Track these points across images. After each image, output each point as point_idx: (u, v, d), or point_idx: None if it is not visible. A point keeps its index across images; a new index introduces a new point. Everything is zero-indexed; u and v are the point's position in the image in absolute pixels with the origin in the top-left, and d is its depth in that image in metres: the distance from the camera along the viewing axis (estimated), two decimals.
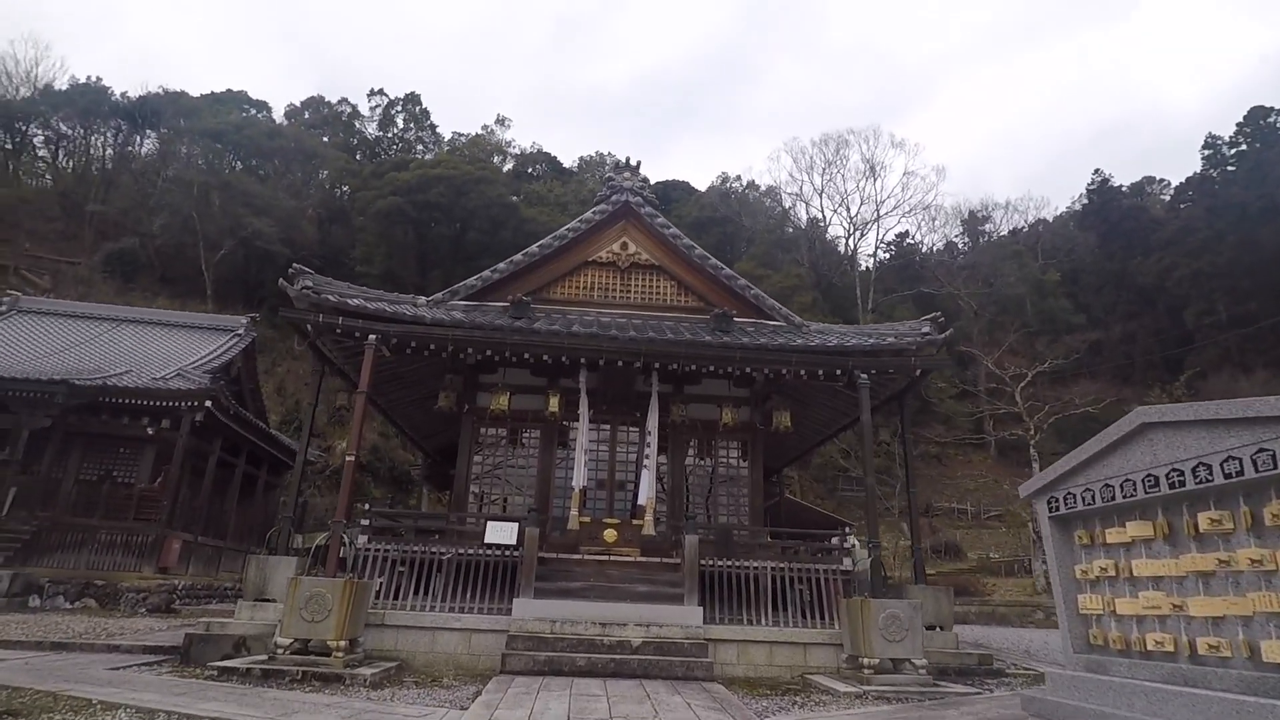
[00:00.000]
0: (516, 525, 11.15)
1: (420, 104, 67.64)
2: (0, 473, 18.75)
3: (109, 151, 57.05)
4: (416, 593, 10.70)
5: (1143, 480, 5.44)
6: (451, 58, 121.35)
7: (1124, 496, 5.64)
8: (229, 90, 62.57)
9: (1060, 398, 28.35)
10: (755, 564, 11.18)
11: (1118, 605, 5.80)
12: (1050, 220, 66.35)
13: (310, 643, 8.72)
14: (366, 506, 11.29)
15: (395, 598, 10.55)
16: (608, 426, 13.17)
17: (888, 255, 63.69)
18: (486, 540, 11.16)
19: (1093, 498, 6.01)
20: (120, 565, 19.06)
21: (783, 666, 10.13)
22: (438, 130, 68.12)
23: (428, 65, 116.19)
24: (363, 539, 10.96)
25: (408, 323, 10.77)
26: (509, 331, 10.83)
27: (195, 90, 61.82)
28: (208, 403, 20.35)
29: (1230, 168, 54.38)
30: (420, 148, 65.13)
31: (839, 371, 11.46)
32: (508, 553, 10.94)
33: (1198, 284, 47.85)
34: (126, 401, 20.02)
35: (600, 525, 11.57)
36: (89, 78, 57.35)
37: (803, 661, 10.25)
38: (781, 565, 11.20)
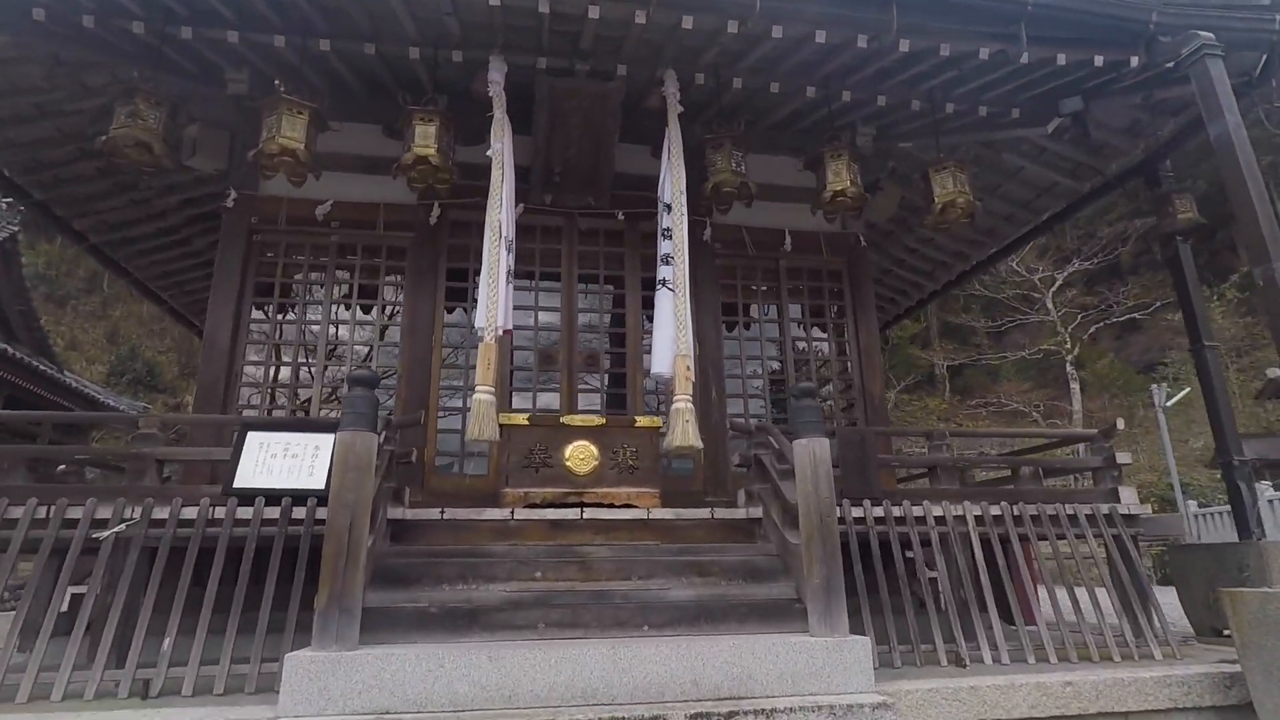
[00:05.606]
0: (328, 440, 4.05)
1: None
2: None
3: None
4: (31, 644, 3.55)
5: None
6: None
7: None
8: None
9: (1106, 303, 23.02)
10: (942, 510, 4.53)
11: None
12: None
13: None
14: None
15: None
16: (558, 229, 6.16)
17: None
18: (239, 484, 4.03)
19: None
20: None
21: None
22: None
23: None
24: None
25: None
26: None
27: None
28: None
29: None
30: None
31: (1095, 59, 4.82)
32: (307, 510, 3.92)
33: None
34: None
35: (557, 431, 4.60)
36: None
37: None
38: (992, 510, 4.60)
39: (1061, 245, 22.18)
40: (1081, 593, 4.57)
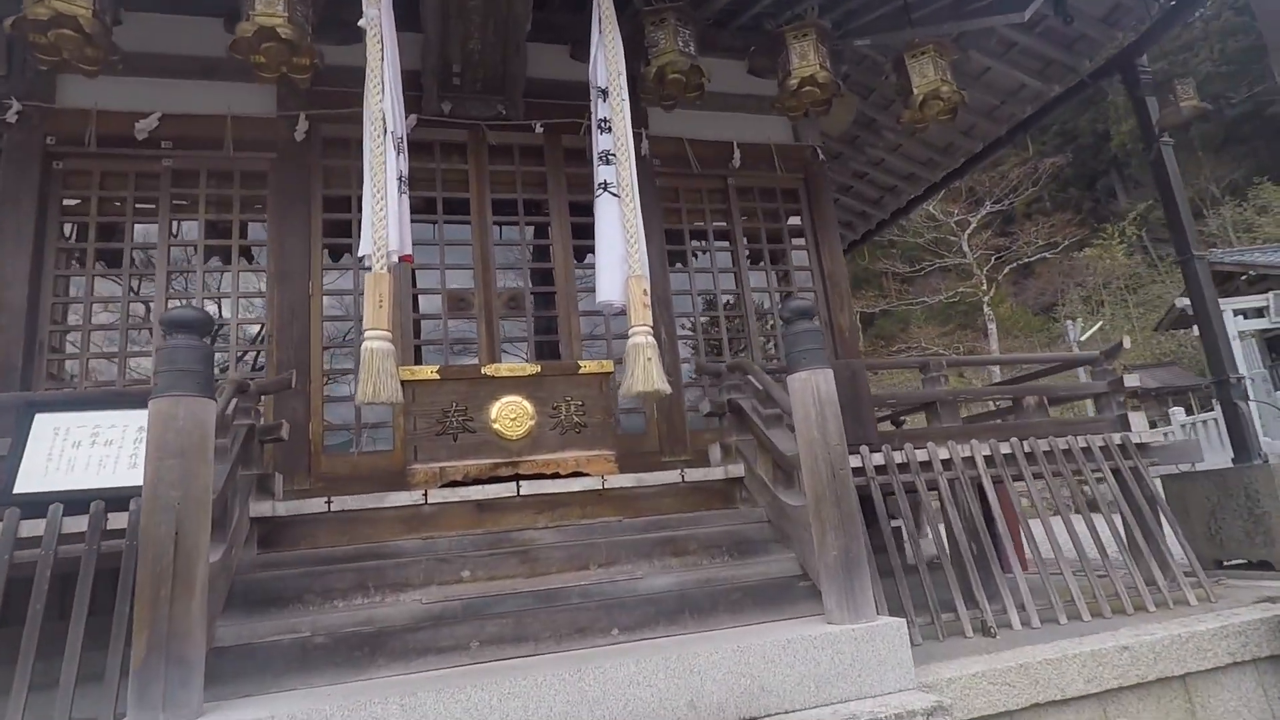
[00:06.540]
0: (141, 414, 2.85)
1: None
2: None
3: None
4: None
5: None
6: None
7: None
8: None
9: (1017, 243, 23.50)
10: (949, 453, 3.79)
11: None
12: None
13: None
14: None
15: None
16: (463, 145, 5.02)
17: None
18: (22, 488, 2.81)
19: None
20: None
21: None
22: None
23: None
24: None
25: None
26: None
27: None
28: None
29: None
30: None
31: None
32: (130, 516, 2.73)
33: None
34: None
35: (478, 386, 3.57)
36: None
37: None
38: (1002, 448, 3.92)
39: (974, 188, 22.38)
40: (1090, 533, 3.98)
